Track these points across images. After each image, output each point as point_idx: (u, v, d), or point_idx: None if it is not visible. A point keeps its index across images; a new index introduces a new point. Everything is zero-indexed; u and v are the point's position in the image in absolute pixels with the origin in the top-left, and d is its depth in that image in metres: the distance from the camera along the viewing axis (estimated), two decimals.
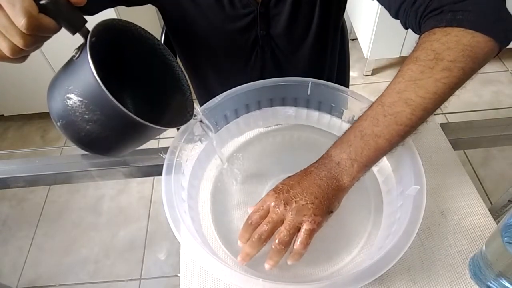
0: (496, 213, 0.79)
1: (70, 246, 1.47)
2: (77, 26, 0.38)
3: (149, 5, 0.68)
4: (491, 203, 1.41)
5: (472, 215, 0.57)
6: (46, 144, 1.87)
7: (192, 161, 0.60)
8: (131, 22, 0.44)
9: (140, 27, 0.45)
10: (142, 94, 0.53)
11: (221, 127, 0.65)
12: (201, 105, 0.59)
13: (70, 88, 0.39)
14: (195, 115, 0.51)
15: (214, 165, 0.65)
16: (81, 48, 0.39)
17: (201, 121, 0.53)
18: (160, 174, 0.53)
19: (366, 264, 0.44)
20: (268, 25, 0.68)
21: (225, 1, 0.64)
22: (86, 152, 0.45)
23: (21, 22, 0.34)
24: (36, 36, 0.36)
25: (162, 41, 0.87)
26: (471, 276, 0.50)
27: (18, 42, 0.35)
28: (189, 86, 0.52)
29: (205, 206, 0.60)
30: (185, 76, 0.52)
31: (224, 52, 0.74)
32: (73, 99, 0.39)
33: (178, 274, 0.53)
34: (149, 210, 1.57)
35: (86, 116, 0.40)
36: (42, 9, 0.35)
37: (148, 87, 0.52)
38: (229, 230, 0.57)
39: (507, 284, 0.45)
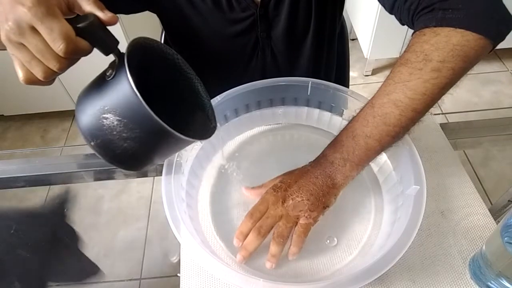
0: (496, 213, 0.78)
1: None
2: (111, 47, 0.38)
3: None
4: (491, 203, 1.41)
5: (472, 215, 0.57)
6: (46, 144, 1.87)
7: (191, 161, 0.60)
8: (153, 39, 0.44)
9: (161, 43, 0.45)
10: (165, 109, 0.53)
11: (221, 127, 0.65)
12: None
13: (106, 108, 0.39)
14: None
15: (213, 165, 0.65)
16: (114, 68, 0.39)
17: None
18: (160, 174, 0.54)
19: (366, 264, 0.44)
20: (268, 26, 0.68)
21: (224, 5, 0.63)
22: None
23: (59, 46, 0.34)
24: (70, 59, 0.36)
25: None
26: (471, 276, 0.50)
27: (54, 66, 0.35)
28: (209, 99, 0.52)
29: (205, 206, 0.60)
30: (204, 89, 0.51)
31: (224, 56, 0.74)
32: (110, 118, 0.39)
33: (178, 274, 0.53)
34: (149, 210, 1.56)
35: (125, 135, 0.40)
36: (78, 32, 0.35)
37: (170, 102, 0.52)
38: (229, 229, 0.57)
39: (507, 284, 0.45)
